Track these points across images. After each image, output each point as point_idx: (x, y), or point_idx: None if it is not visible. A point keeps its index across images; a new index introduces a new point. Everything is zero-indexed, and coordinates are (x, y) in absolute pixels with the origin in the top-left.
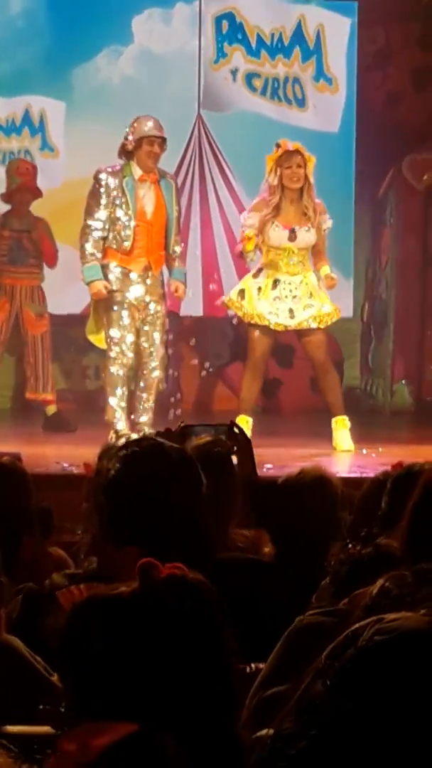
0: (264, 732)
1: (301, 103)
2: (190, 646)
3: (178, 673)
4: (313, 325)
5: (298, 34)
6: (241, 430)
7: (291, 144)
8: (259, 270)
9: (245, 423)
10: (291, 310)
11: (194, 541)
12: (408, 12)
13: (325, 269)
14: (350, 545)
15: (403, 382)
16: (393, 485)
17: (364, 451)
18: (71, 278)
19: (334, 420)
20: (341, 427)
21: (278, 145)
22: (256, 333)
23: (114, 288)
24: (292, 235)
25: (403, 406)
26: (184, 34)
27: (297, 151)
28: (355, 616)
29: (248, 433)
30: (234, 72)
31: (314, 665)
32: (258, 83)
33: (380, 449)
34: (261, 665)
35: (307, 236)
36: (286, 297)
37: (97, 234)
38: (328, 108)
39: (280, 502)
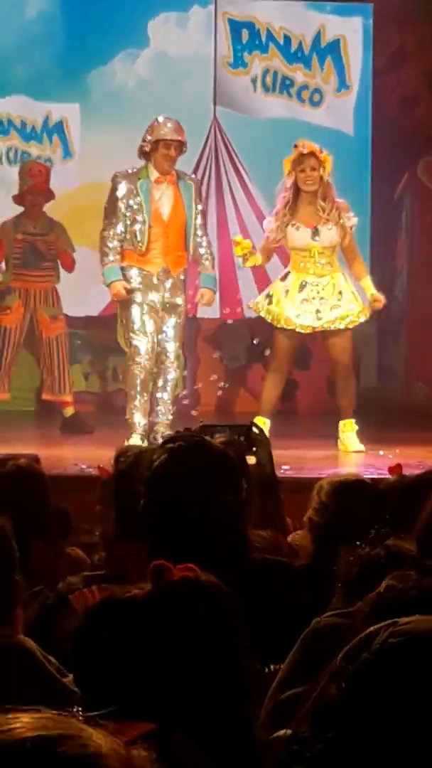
0: (282, 733)
1: (318, 104)
2: (204, 647)
3: (192, 674)
4: (341, 326)
5: (320, 49)
6: (260, 430)
7: (308, 146)
8: (287, 274)
9: (263, 424)
10: (318, 311)
11: (231, 540)
12: (423, 14)
13: (368, 285)
14: (360, 547)
15: (420, 383)
16: (401, 490)
17: (381, 452)
18: (89, 280)
19: (342, 423)
20: (349, 429)
21: (295, 146)
22: (281, 337)
23: (134, 289)
24: (315, 234)
25: (419, 407)
26: (199, 37)
27: (312, 154)
28: (363, 614)
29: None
30: (254, 80)
31: (329, 668)
32: (270, 80)
33: (397, 450)
34: (280, 667)
35: (330, 234)
36: (313, 299)
37: (114, 237)
38: (343, 109)
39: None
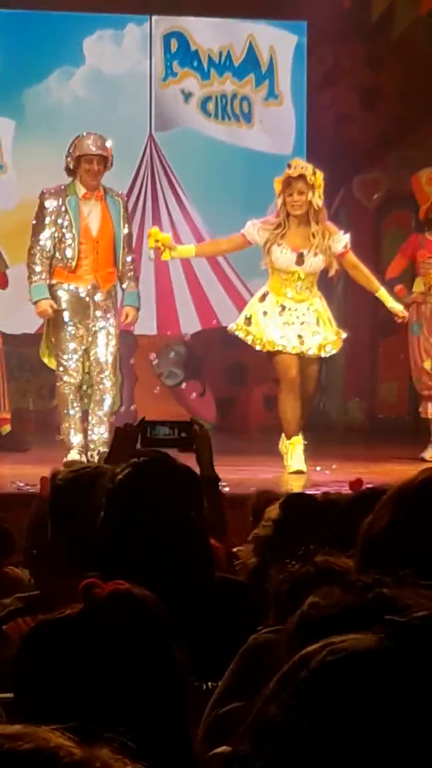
0: (221, 749)
1: (248, 118)
2: (139, 661)
3: (128, 689)
4: (322, 354)
5: (251, 58)
6: (201, 426)
7: (299, 167)
8: (264, 295)
9: (299, 443)
10: (300, 336)
11: (196, 556)
12: (356, 33)
13: (385, 297)
14: (290, 564)
15: (357, 399)
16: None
17: (318, 468)
18: (25, 298)
19: (296, 439)
20: (297, 444)
21: (289, 166)
22: (281, 355)
23: (62, 307)
24: (300, 259)
25: (356, 423)
26: (135, 55)
27: (301, 176)
28: (289, 632)
29: (301, 453)
30: (186, 95)
31: (265, 690)
32: (211, 107)
33: (334, 466)
34: (216, 683)
35: (314, 261)
36: (293, 323)
37: (42, 254)
38: (275, 124)
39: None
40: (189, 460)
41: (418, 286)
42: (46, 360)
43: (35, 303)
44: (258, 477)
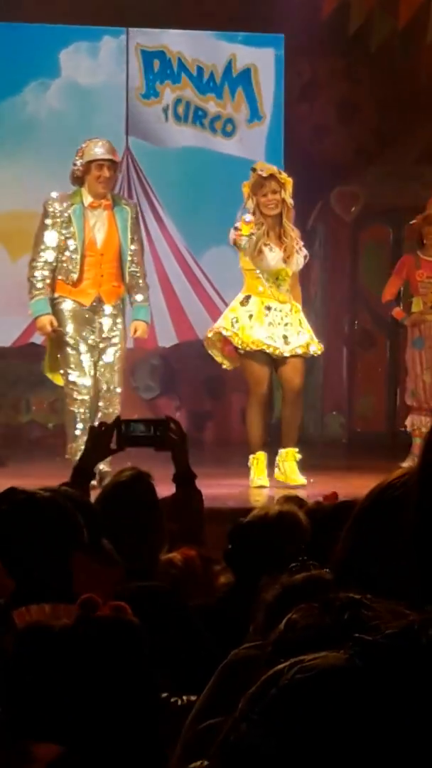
0: (198, 764)
1: (230, 134)
2: (114, 680)
3: (103, 705)
4: (308, 352)
5: (231, 79)
6: (177, 425)
7: (266, 168)
8: (247, 297)
9: (263, 459)
10: (285, 337)
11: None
12: (334, 46)
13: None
14: (282, 575)
15: (334, 413)
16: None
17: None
18: (1, 311)
19: (285, 451)
20: (291, 459)
21: (253, 170)
22: (255, 365)
23: (66, 323)
24: (288, 257)
25: (335, 437)
26: (111, 67)
27: (272, 176)
28: (267, 651)
29: (264, 468)
30: (166, 110)
31: (234, 711)
32: (182, 110)
33: (312, 480)
34: (194, 697)
35: (298, 259)
36: (278, 324)
37: (44, 267)
38: (254, 138)
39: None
40: (165, 459)
41: (417, 306)
42: (50, 376)
43: (35, 319)
44: (234, 491)
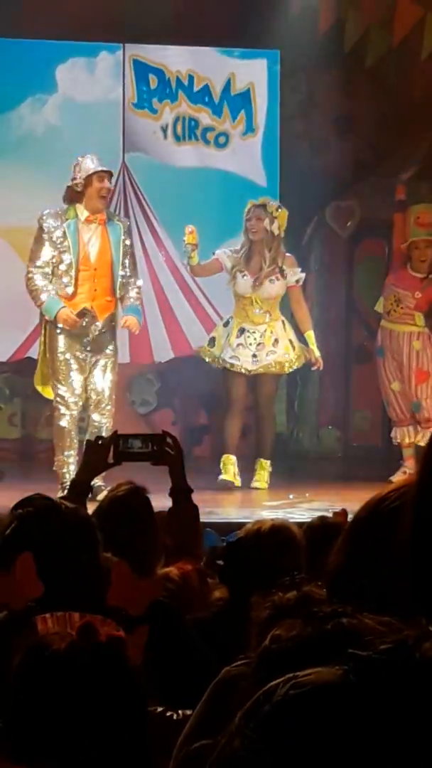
0: None
1: (223, 146)
2: (106, 707)
3: (95, 728)
4: (273, 370)
5: (230, 96)
6: (174, 439)
7: (260, 199)
8: (229, 320)
9: (230, 462)
10: (254, 356)
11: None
12: (330, 61)
13: (311, 339)
14: (273, 593)
15: (330, 427)
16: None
17: (291, 497)
18: None
19: (260, 461)
20: (263, 468)
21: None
22: (230, 379)
23: (58, 336)
24: (256, 285)
25: (330, 451)
26: (107, 82)
27: (262, 205)
28: (253, 666)
29: (234, 471)
30: (164, 129)
31: (230, 726)
32: (180, 128)
33: (307, 494)
34: (189, 712)
35: (270, 287)
36: (250, 345)
37: (42, 278)
38: (250, 153)
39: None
40: (162, 473)
41: (378, 306)
42: (40, 389)
43: (56, 316)
44: (229, 506)
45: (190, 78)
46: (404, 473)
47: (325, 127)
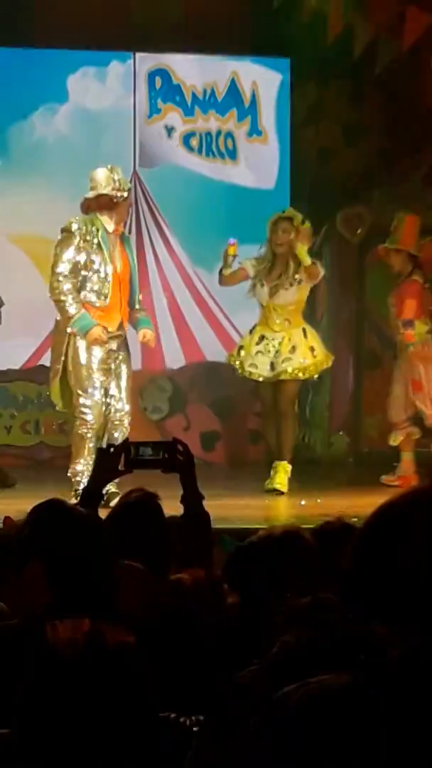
0: None
1: (233, 155)
2: (113, 709)
3: (101, 731)
4: (299, 376)
5: (233, 93)
6: (185, 446)
7: (287, 211)
8: (254, 327)
9: (284, 469)
10: (272, 363)
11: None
12: (340, 68)
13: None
14: (289, 598)
15: (341, 433)
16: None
17: (303, 502)
18: (11, 333)
19: (280, 464)
20: (282, 470)
21: (283, 211)
22: (257, 387)
23: (88, 348)
24: (273, 293)
25: (341, 457)
26: (118, 91)
27: (288, 218)
28: (263, 672)
29: (287, 477)
30: (169, 129)
31: (243, 732)
32: (194, 142)
33: (318, 500)
34: (201, 717)
35: (285, 294)
36: (268, 352)
37: (73, 288)
38: (259, 160)
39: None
40: (172, 481)
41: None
42: (56, 400)
43: (86, 333)
44: (243, 512)
45: (204, 91)
46: (401, 472)
47: (335, 133)
